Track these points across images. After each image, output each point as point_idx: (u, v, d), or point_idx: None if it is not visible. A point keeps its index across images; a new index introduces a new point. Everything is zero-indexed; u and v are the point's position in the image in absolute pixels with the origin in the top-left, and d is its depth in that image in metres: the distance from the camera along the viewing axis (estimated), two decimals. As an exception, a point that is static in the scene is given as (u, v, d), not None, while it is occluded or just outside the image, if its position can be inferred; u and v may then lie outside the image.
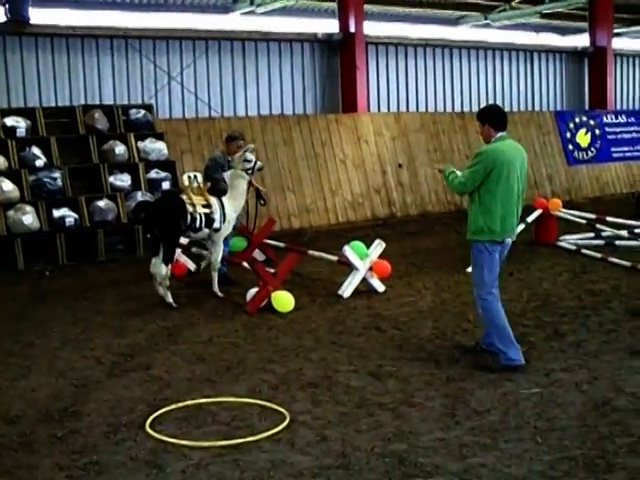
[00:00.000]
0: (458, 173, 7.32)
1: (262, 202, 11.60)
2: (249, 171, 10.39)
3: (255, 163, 10.48)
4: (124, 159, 14.17)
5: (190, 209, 9.83)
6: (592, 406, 6.12)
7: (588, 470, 5.01)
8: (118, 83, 16.24)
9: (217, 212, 10.04)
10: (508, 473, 5.01)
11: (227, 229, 10.30)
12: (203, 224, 9.91)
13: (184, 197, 10.04)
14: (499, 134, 7.21)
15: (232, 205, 10.25)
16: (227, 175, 10.48)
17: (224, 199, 10.21)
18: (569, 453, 5.27)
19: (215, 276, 10.26)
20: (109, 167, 13.92)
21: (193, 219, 9.83)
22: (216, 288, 10.25)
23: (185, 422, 6.01)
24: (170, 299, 9.76)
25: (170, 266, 9.78)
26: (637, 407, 6.08)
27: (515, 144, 7.35)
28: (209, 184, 10.58)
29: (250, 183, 10.75)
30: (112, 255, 13.35)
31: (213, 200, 10.11)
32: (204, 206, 9.97)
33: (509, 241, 7.30)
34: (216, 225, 10.04)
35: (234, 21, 18.39)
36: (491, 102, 21.60)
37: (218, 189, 10.49)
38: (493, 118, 7.28)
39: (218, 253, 10.20)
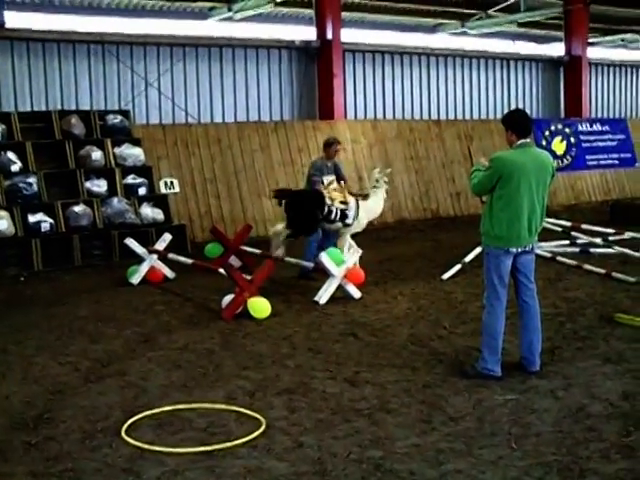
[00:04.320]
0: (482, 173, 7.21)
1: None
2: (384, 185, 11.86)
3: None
4: (101, 165, 14.13)
5: (328, 202, 11.00)
6: (567, 412, 6.16)
7: (562, 476, 5.05)
8: (95, 88, 16.21)
9: (352, 210, 11.21)
10: (483, 479, 5.03)
11: (356, 228, 11.45)
12: (337, 217, 11.06)
13: (325, 192, 11.16)
14: (521, 141, 7.04)
15: (366, 209, 11.53)
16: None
17: (361, 202, 11.50)
18: (544, 459, 5.30)
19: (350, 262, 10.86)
20: (85, 172, 13.87)
21: (329, 211, 11.01)
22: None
23: (161, 428, 6.00)
24: (279, 252, 11.20)
25: (288, 230, 11.19)
26: (611, 413, 6.12)
27: (537, 153, 7.17)
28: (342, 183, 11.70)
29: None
30: (88, 261, 13.28)
31: (351, 199, 11.32)
32: (342, 202, 11.12)
33: (527, 254, 7.11)
34: (348, 221, 11.21)
35: (212, 27, 18.41)
36: (467, 110, 21.81)
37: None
38: (516, 124, 7.10)
39: (343, 245, 11.20)
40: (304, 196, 11.41)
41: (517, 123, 7.13)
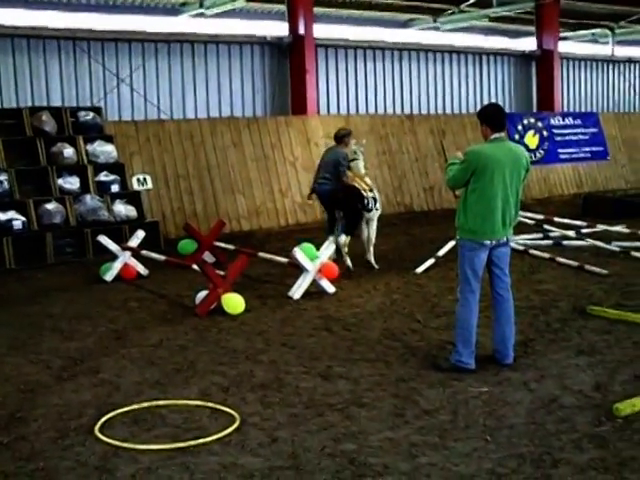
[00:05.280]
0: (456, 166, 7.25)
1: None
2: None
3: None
4: (73, 162, 14.05)
5: (364, 194, 11.76)
6: (540, 404, 6.20)
7: (535, 466, 5.08)
8: (66, 85, 16.07)
9: (376, 194, 12.08)
10: (457, 472, 5.05)
11: (380, 207, 12.26)
12: (372, 205, 11.83)
13: (356, 185, 11.90)
14: (495, 135, 7.10)
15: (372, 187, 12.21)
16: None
17: (369, 182, 12.17)
18: (517, 450, 5.33)
19: (371, 249, 12.08)
20: (57, 170, 13.79)
21: (368, 202, 11.77)
22: (372, 258, 12.09)
23: (135, 425, 5.98)
24: (349, 263, 11.63)
25: (349, 237, 11.73)
26: (583, 404, 6.17)
27: (511, 147, 7.24)
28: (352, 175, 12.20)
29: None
30: (61, 258, 13.21)
31: (372, 185, 12.20)
32: (370, 190, 11.94)
33: (502, 247, 7.15)
34: (378, 206, 12.05)
35: (183, 23, 18.30)
36: (440, 104, 21.85)
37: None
38: (490, 118, 7.16)
39: (374, 231, 12.07)
40: (346, 192, 11.90)
41: (491, 117, 7.18)
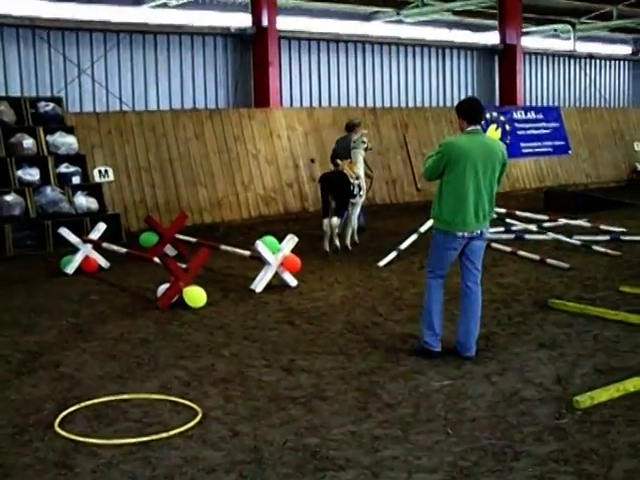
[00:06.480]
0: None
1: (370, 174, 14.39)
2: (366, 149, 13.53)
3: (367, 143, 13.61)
4: (32, 153, 13.90)
5: (351, 180, 12.79)
6: (501, 397, 6.23)
7: (497, 459, 5.10)
8: (25, 75, 15.87)
9: (362, 182, 13.08)
10: (419, 465, 5.06)
11: (363, 194, 13.32)
12: (357, 192, 12.89)
13: (345, 171, 12.91)
14: (470, 127, 7.22)
15: (362, 175, 13.24)
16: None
17: (359, 171, 13.13)
18: (479, 443, 5.35)
19: (349, 232, 13.17)
20: (17, 161, 13.63)
21: (353, 188, 12.80)
22: (348, 242, 13.13)
23: (96, 420, 5.91)
24: (338, 243, 12.75)
25: (341, 219, 12.72)
26: (544, 397, 6.21)
27: (485, 140, 7.31)
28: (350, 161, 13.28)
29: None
30: (21, 251, 13.07)
31: (358, 173, 13.06)
32: (355, 178, 12.91)
33: (476, 240, 7.21)
34: (362, 192, 13.11)
35: (146, 14, 18.14)
36: (403, 98, 21.89)
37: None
38: (465, 111, 7.30)
39: (356, 216, 13.30)
40: (338, 179, 12.89)
41: (466, 110, 7.34)
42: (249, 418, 5.89)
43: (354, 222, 13.26)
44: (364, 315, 8.94)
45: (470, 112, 7.29)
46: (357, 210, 13.23)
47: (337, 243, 12.75)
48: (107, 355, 7.58)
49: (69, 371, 7.11)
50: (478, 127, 7.29)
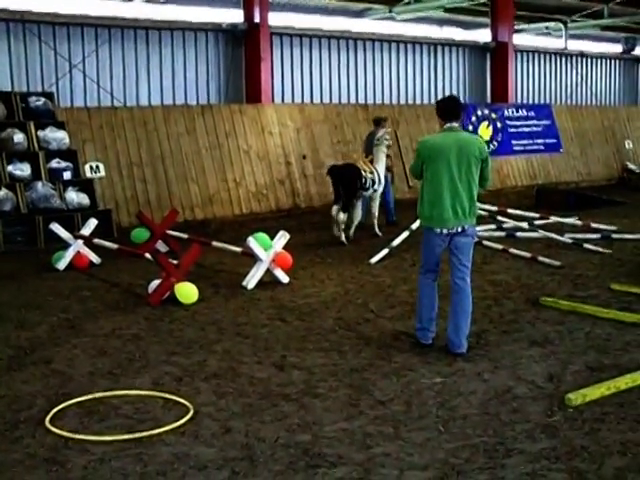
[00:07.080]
0: None
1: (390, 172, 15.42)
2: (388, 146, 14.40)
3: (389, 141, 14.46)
4: (23, 148, 13.85)
5: (363, 174, 13.47)
6: (493, 394, 6.24)
7: (488, 456, 5.11)
8: (16, 69, 15.81)
9: (377, 177, 13.77)
10: (411, 462, 5.06)
11: (380, 188, 14.04)
12: (369, 185, 13.59)
13: (359, 166, 13.65)
14: (446, 125, 7.36)
15: (382, 171, 14.03)
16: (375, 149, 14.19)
17: (377, 167, 13.93)
18: (470, 440, 5.36)
19: (375, 222, 14.20)
20: (7, 156, 13.59)
21: (365, 181, 13.48)
22: (377, 229, 14.18)
23: (87, 416, 5.90)
24: (343, 239, 13.34)
25: (347, 214, 13.34)
26: (535, 394, 6.22)
27: (459, 136, 7.34)
28: (371, 157, 14.12)
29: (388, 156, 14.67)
30: (11, 247, 13.03)
31: (375, 168, 13.82)
32: (370, 172, 13.65)
33: (460, 236, 7.28)
34: (376, 187, 13.83)
35: (138, 9, 18.10)
36: (394, 94, 21.89)
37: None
38: (441, 109, 7.47)
39: (376, 207, 14.22)
40: (347, 170, 13.57)
41: (441, 108, 7.51)
42: (241, 415, 5.88)
43: (375, 212, 14.20)
44: (356, 312, 8.94)
45: (445, 110, 7.45)
46: (376, 202, 14.14)
47: (343, 238, 13.32)
48: (98, 351, 7.56)
49: (60, 367, 7.09)
50: (454, 124, 7.40)
